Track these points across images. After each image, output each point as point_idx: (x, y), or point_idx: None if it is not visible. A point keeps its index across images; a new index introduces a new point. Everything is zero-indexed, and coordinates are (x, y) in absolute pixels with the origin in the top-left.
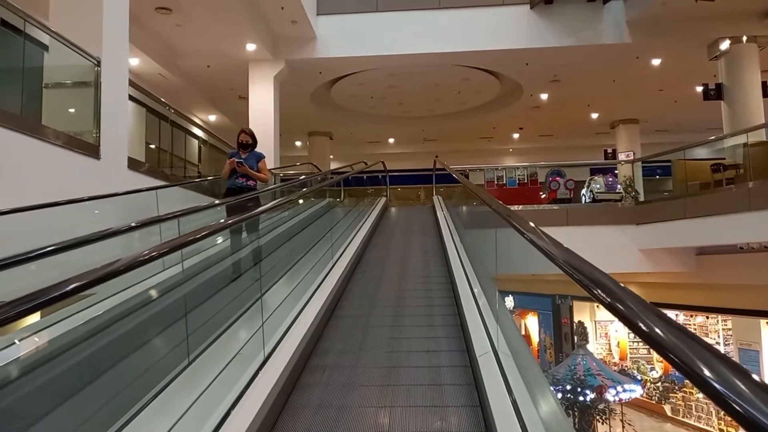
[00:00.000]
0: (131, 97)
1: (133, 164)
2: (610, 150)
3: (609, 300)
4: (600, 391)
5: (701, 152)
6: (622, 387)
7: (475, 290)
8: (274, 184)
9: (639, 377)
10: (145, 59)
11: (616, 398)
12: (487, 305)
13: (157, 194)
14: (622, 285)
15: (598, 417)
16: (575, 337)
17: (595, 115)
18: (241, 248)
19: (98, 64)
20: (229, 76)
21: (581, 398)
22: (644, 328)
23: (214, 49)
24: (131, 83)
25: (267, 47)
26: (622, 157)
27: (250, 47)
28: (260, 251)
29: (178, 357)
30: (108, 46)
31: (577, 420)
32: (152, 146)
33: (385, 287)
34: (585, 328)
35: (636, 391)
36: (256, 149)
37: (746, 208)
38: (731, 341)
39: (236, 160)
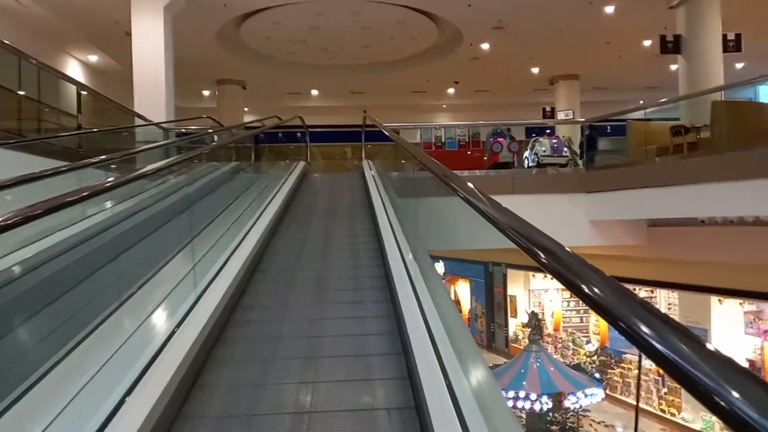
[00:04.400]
0: None
1: None
2: (549, 108)
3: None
4: (559, 398)
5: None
6: (583, 392)
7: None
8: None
9: (600, 377)
10: None
11: (577, 405)
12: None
13: None
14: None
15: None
16: (529, 331)
17: (535, 70)
18: None
19: None
20: (109, 6)
21: (537, 408)
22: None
23: None
24: None
25: None
26: (561, 115)
27: None
28: None
29: None
30: None
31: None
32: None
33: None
34: (539, 321)
35: (598, 395)
36: None
37: (717, 178)
38: (676, 317)
39: None
